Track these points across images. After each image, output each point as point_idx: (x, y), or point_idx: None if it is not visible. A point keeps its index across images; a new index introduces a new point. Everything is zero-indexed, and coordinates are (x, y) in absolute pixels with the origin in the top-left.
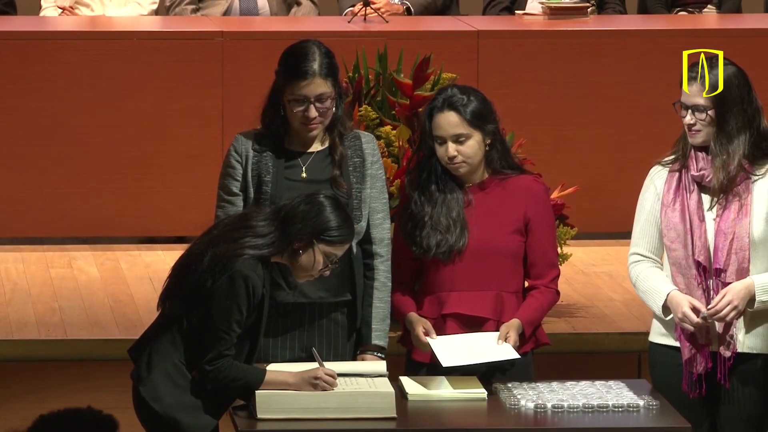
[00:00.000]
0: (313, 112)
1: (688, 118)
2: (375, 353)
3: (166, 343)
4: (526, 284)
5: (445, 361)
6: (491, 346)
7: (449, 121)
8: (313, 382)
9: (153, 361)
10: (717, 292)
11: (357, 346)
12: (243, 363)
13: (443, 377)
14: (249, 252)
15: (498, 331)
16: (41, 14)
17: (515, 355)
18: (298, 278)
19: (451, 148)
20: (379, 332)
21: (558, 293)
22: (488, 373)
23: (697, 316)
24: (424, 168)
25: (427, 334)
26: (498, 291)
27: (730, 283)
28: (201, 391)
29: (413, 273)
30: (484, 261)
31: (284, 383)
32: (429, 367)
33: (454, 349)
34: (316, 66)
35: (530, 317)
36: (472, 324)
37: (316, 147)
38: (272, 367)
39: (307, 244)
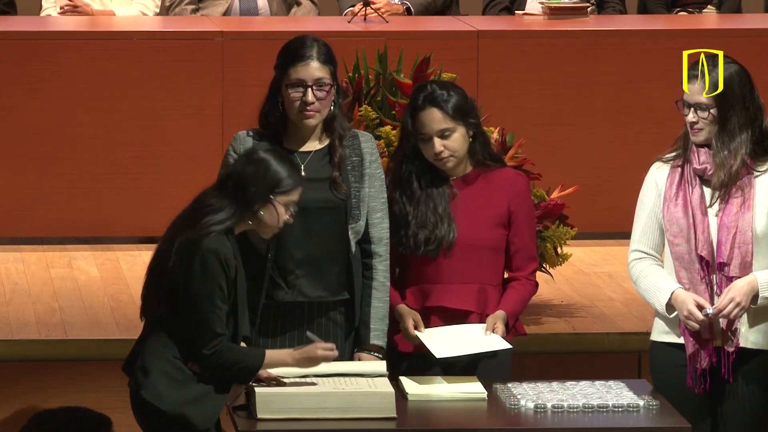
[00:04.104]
0: (310, 97)
1: (691, 116)
2: (373, 353)
3: (157, 343)
4: (506, 275)
5: (438, 353)
6: (480, 337)
7: (432, 117)
8: (311, 356)
9: (147, 363)
10: (720, 287)
11: (355, 346)
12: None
13: (443, 377)
14: (214, 229)
15: (482, 323)
16: (41, 14)
17: (506, 345)
18: (266, 236)
19: (437, 143)
20: (378, 332)
21: (537, 285)
22: (471, 364)
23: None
24: (405, 168)
25: (416, 327)
26: (481, 284)
27: (734, 277)
28: (200, 379)
29: (396, 265)
30: (468, 254)
31: (283, 362)
32: (412, 358)
33: (444, 341)
34: (314, 52)
35: (513, 309)
36: (456, 317)
37: (314, 146)
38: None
39: (266, 201)
